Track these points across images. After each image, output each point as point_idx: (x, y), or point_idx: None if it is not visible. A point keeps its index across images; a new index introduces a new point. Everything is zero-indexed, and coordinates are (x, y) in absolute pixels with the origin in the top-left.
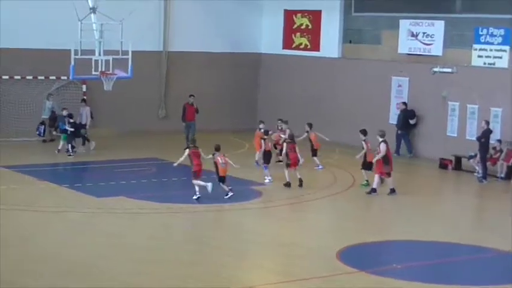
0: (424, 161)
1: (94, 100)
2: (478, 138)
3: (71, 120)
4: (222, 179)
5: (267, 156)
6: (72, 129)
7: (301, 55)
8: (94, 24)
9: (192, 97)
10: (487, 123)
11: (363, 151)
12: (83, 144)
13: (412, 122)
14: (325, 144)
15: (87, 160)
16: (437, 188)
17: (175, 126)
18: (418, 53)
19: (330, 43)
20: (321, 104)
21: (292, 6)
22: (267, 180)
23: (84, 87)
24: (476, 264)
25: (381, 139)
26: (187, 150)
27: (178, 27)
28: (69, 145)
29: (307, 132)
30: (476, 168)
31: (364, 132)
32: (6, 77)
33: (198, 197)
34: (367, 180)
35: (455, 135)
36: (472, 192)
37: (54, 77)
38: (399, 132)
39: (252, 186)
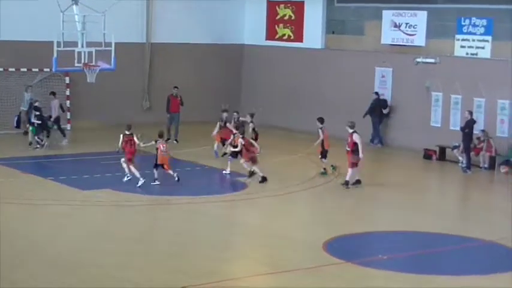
0: (408, 151)
1: (77, 92)
2: (462, 129)
3: (37, 113)
4: (159, 166)
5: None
6: (38, 122)
7: (284, 46)
8: (76, 16)
9: (176, 89)
10: (471, 113)
11: (320, 139)
12: (47, 136)
13: (385, 111)
14: (310, 135)
15: (71, 153)
16: (422, 178)
17: (159, 118)
18: (401, 43)
19: (313, 34)
20: (304, 95)
21: None
22: (227, 171)
23: (67, 79)
24: (461, 254)
25: (351, 130)
26: (121, 136)
27: (161, 19)
28: (36, 137)
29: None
30: (460, 158)
31: (321, 120)
32: None
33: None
34: (324, 169)
35: (439, 125)
36: (456, 182)
37: (37, 69)
38: (374, 120)
39: (237, 178)
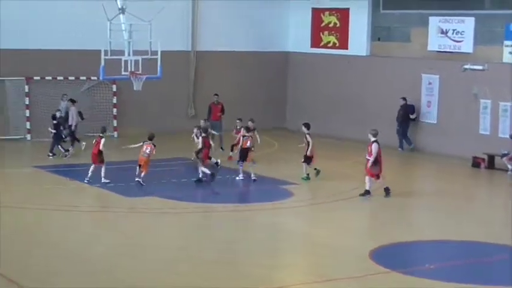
0: (457, 159)
1: (124, 100)
2: (511, 136)
3: (54, 122)
4: (139, 166)
5: (243, 153)
6: (53, 131)
7: (329, 53)
8: (123, 25)
9: (217, 96)
10: None
11: (307, 144)
12: (72, 144)
13: (412, 116)
14: (356, 143)
15: (117, 160)
16: (470, 187)
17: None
18: (448, 50)
19: (359, 41)
20: (349, 102)
21: (320, 4)
22: (240, 177)
23: (114, 87)
24: (509, 264)
25: (373, 139)
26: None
27: (206, 27)
28: (59, 146)
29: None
30: (509, 166)
31: (307, 125)
32: (38, 77)
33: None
34: (307, 174)
35: (488, 133)
36: (505, 190)
37: (84, 78)
38: (399, 128)
39: (283, 186)
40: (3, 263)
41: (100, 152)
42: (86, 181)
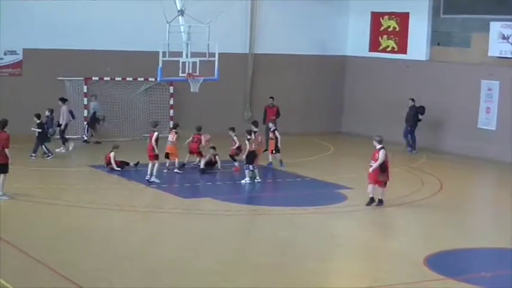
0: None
1: (181, 102)
2: None
3: (38, 121)
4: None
5: (250, 156)
6: (38, 130)
7: (388, 58)
8: (182, 27)
9: (272, 99)
10: None
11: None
12: (63, 143)
13: (421, 117)
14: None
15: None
16: None
17: (261, 128)
18: (509, 56)
19: (418, 45)
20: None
21: (380, 8)
22: (245, 180)
23: (171, 89)
24: None
25: (378, 146)
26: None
27: (264, 29)
28: (42, 146)
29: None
30: None
31: (255, 123)
32: (96, 78)
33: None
34: (252, 171)
35: None
36: None
37: (142, 79)
38: (409, 128)
39: (337, 190)
40: (61, 263)
41: (153, 148)
42: (147, 179)
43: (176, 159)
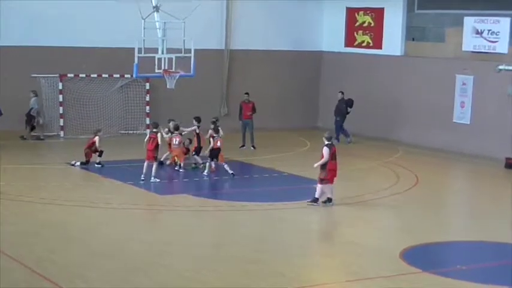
0: (490, 160)
1: (157, 98)
2: None
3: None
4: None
5: (214, 152)
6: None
7: (363, 53)
8: (157, 23)
9: (247, 95)
10: None
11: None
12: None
13: (349, 110)
14: (388, 143)
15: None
16: (503, 188)
17: (237, 124)
18: (483, 50)
19: (393, 41)
20: (383, 102)
21: (355, 3)
22: (205, 173)
23: (147, 85)
24: None
25: (326, 142)
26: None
27: (240, 25)
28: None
29: (198, 127)
30: None
31: (198, 119)
32: (71, 75)
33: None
34: (195, 164)
35: None
36: None
37: (118, 75)
38: (337, 119)
39: (314, 185)
40: (37, 260)
41: (155, 148)
42: (142, 179)
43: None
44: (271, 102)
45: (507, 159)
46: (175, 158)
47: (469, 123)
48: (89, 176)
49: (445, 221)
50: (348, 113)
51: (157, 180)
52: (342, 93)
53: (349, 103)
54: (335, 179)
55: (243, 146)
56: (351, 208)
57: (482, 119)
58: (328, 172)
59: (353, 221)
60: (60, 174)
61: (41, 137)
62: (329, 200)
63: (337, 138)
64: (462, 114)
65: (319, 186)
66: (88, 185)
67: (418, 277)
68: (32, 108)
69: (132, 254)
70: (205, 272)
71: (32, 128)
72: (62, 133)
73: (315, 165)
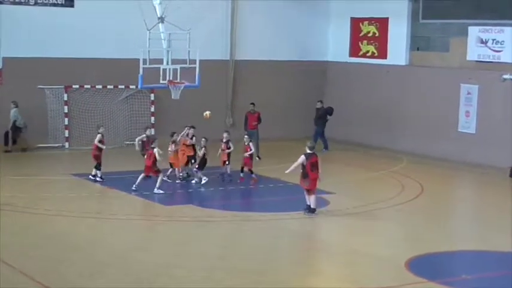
0: (494, 169)
1: (162, 109)
2: None
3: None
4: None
5: (202, 162)
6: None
7: (368, 63)
8: (162, 34)
9: (252, 105)
10: None
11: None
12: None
13: (329, 118)
14: (393, 152)
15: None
16: (508, 197)
17: (243, 135)
18: (488, 60)
19: (397, 50)
20: (388, 111)
21: (359, 13)
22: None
23: (152, 96)
24: None
25: (308, 151)
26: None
27: (245, 36)
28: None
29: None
30: None
31: (192, 127)
32: (77, 86)
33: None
34: (187, 173)
35: None
36: None
37: (123, 86)
38: (317, 128)
39: (319, 195)
40: (40, 270)
41: (153, 164)
42: (133, 188)
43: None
44: (276, 112)
45: None
46: (172, 165)
47: (474, 132)
48: (94, 187)
49: (450, 231)
50: (327, 120)
51: (161, 192)
52: (321, 102)
53: (329, 111)
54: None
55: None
56: (356, 218)
57: (487, 128)
58: (310, 182)
59: (358, 231)
60: (65, 186)
61: (25, 148)
62: (308, 207)
63: (326, 147)
64: (467, 124)
65: (312, 197)
66: (93, 196)
67: (423, 287)
68: (15, 120)
69: (137, 265)
70: (212, 284)
71: (14, 141)
72: (67, 144)
73: (286, 171)
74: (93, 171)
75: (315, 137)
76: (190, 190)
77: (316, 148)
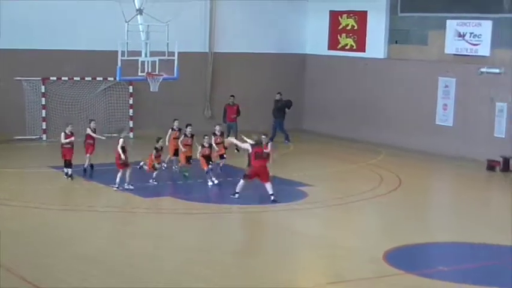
0: (471, 162)
1: (140, 101)
2: None
3: None
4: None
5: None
6: None
7: (346, 56)
8: (140, 26)
9: (232, 97)
10: None
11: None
12: None
13: (287, 110)
14: (371, 145)
15: (132, 161)
16: (485, 190)
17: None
18: (465, 53)
19: (376, 44)
20: (366, 104)
21: (338, 7)
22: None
23: (130, 88)
24: None
25: (253, 142)
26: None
27: (224, 28)
28: None
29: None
30: None
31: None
32: (54, 78)
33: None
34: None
35: (503, 136)
36: None
37: (101, 78)
38: (276, 120)
39: (297, 187)
40: (20, 263)
41: (119, 156)
42: (115, 188)
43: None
44: (255, 105)
45: (489, 161)
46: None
47: (451, 125)
48: (73, 179)
49: (428, 223)
50: (285, 113)
51: (131, 187)
52: (280, 94)
53: (288, 104)
54: (267, 177)
55: (226, 148)
56: (334, 210)
57: (465, 121)
58: (253, 170)
59: (335, 223)
60: (43, 178)
61: None
62: (271, 196)
63: (272, 139)
64: (445, 117)
65: (241, 181)
66: (72, 188)
67: (400, 278)
68: None
69: (117, 258)
70: (191, 277)
71: None
72: (44, 136)
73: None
74: (86, 163)
75: (274, 129)
76: (169, 182)
77: (277, 140)
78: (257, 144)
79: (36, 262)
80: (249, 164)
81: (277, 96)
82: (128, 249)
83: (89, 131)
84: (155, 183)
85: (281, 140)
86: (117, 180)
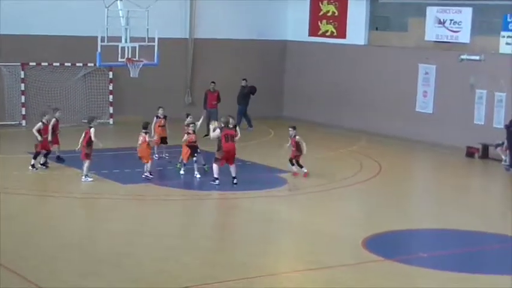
0: (451, 149)
1: (120, 87)
2: (506, 126)
3: None
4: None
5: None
6: None
7: (327, 42)
8: (120, 11)
9: (213, 84)
10: None
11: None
12: None
13: (252, 97)
14: (351, 132)
15: (113, 147)
16: (464, 176)
17: (201, 113)
18: (445, 40)
19: (356, 30)
20: (347, 91)
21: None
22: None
23: (110, 74)
24: (503, 253)
25: (221, 125)
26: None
27: (204, 15)
28: None
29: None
30: (503, 156)
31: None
32: (33, 63)
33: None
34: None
35: (483, 123)
36: (499, 180)
37: (81, 64)
38: (240, 106)
39: (277, 174)
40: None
41: (88, 145)
42: (83, 180)
43: (148, 163)
44: (235, 92)
45: (468, 148)
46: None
47: (431, 112)
48: (51, 166)
49: (407, 209)
50: (249, 100)
51: (90, 179)
52: (246, 80)
53: (253, 90)
54: (234, 160)
55: (207, 135)
56: (314, 196)
57: (445, 108)
58: (223, 153)
59: (315, 210)
60: (21, 164)
61: None
62: (234, 179)
63: (251, 125)
64: (424, 104)
65: (214, 166)
66: (50, 175)
67: (380, 265)
68: None
69: (97, 245)
70: (171, 263)
71: None
72: (23, 122)
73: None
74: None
75: (238, 114)
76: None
77: (241, 126)
78: (226, 126)
79: (16, 249)
80: (219, 148)
81: (243, 83)
82: (109, 236)
83: (54, 121)
84: (151, 176)
85: (244, 126)
86: (85, 171)
